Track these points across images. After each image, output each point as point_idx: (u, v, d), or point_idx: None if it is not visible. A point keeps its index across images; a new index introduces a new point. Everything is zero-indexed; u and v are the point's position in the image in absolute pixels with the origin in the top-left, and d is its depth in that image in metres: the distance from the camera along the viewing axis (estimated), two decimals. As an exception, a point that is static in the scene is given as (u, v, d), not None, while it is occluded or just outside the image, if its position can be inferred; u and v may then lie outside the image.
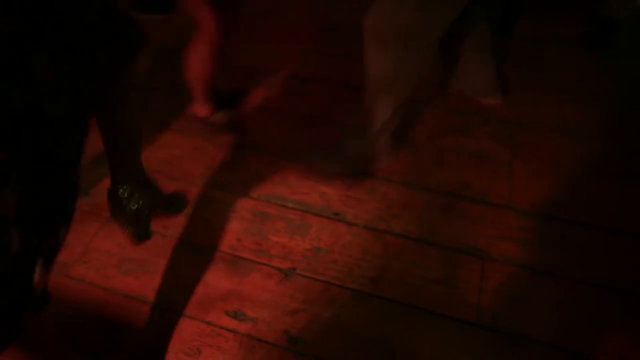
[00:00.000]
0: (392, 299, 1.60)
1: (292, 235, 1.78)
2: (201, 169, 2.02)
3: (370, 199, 1.89)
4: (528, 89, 2.37)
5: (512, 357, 1.47)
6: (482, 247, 1.73)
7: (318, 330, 1.53)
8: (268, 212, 1.85)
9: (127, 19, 1.19)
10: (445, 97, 2.32)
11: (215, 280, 1.65)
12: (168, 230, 1.80)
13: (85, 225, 1.83)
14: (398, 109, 1.83)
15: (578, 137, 2.13)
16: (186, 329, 1.54)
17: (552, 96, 2.33)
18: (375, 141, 1.90)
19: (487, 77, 2.26)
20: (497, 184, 1.95)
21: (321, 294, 1.61)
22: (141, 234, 1.65)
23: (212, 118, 2.10)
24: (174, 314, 1.57)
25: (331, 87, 2.39)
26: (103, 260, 1.72)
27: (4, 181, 0.75)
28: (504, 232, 1.78)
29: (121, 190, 1.55)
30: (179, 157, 2.07)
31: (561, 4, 2.86)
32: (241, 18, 1.93)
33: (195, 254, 1.74)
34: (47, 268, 0.91)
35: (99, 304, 1.60)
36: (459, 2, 1.57)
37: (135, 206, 1.55)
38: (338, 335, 1.52)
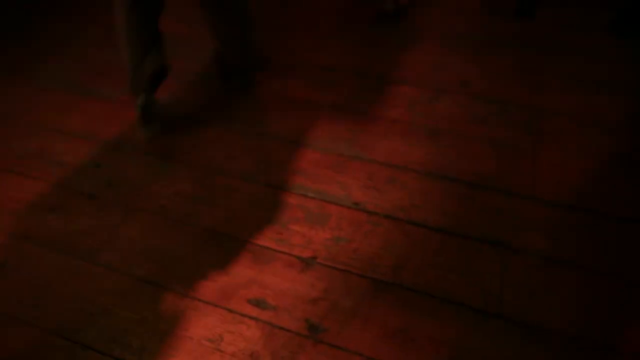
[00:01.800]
0: (412, 289, 1.60)
1: (312, 224, 1.79)
2: (221, 157, 2.04)
3: (390, 189, 1.89)
4: (553, 76, 2.33)
5: (533, 347, 1.47)
6: (504, 237, 1.72)
7: (338, 319, 1.54)
8: (288, 202, 1.86)
9: None
10: (465, 85, 2.28)
11: (237, 268, 1.68)
12: (191, 219, 1.83)
13: (110, 213, 1.87)
14: None
15: (603, 127, 2.09)
16: (209, 316, 1.56)
17: (577, 84, 2.28)
18: None
19: None
20: (519, 173, 1.92)
21: (341, 283, 1.62)
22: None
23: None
24: (197, 301, 1.60)
25: (352, 76, 2.38)
26: (127, 247, 1.76)
27: None
28: (526, 223, 1.76)
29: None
30: (203, 146, 2.10)
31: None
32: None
33: (217, 242, 1.76)
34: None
35: (123, 289, 1.64)
36: None
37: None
38: (358, 324, 1.53)
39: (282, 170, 1.97)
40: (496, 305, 1.55)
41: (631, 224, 1.75)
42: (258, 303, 1.59)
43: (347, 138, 2.08)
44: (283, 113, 2.22)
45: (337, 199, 1.86)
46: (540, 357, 1.43)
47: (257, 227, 1.79)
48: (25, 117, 2.30)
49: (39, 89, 2.46)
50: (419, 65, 2.41)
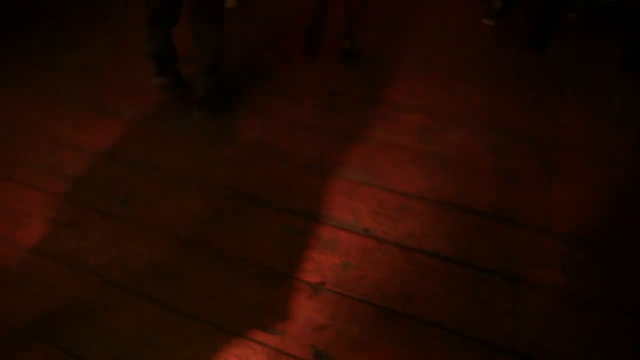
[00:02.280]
0: (421, 319, 1.59)
1: (321, 249, 1.79)
2: (232, 179, 2.06)
3: (400, 217, 1.89)
4: (565, 108, 2.33)
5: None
6: (515, 270, 1.71)
7: (344, 347, 1.53)
8: (298, 226, 1.87)
9: None
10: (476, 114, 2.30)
11: (245, 291, 1.68)
12: (200, 239, 1.84)
13: (122, 231, 1.89)
14: None
15: (615, 160, 2.08)
16: (215, 339, 1.56)
17: (589, 116, 2.29)
18: None
19: None
20: (531, 205, 1.92)
21: (349, 310, 1.62)
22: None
23: None
24: (204, 323, 1.60)
25: (364, 102, 2.40)
26: (137, 265, 1.77)
27: None
28: (539, 256, 1.75)
29: None
30: (214, 167, 2.12)
31: (601, 25, 2.81)
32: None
33: (225, 263, 1.77)
34: None
35: (131, 307, 1.65)
36: None
37: None
38: (364, 353, 1.52)
39: (292, 194, 1.99)
40: (508, 339, 1.53)
41: (644, 260, 1.73)
42: (265, 327, 1.59)
43: (358, 164, 2.09)
44: (293, 137, 2.25)
45: (347, 224, 1.86)
46: (550, 395, 1.41)
47: (266, 250, 1.80)
48: (43, 133, 2.35)
49: (57, 106, 2.51)
50: (431, 93, 2.44)
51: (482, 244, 1.80)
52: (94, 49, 2.94)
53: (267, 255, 1.78)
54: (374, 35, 2.83)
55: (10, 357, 1.57)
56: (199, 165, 2.15)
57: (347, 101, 2.42)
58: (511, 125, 2.25)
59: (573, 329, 1.55)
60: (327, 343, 1.54)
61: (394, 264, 1.74)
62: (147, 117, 2.43)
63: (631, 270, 1.70)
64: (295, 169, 2.09)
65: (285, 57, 2.76)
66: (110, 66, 2.78)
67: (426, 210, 1.92)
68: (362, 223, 1.87)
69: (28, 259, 1.83)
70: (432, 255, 1.77)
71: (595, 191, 1.96)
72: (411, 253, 1.77)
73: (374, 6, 3.04)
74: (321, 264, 1.74)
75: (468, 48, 2.71)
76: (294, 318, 1.60)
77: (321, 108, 2.40)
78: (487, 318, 1.59)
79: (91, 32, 3.10)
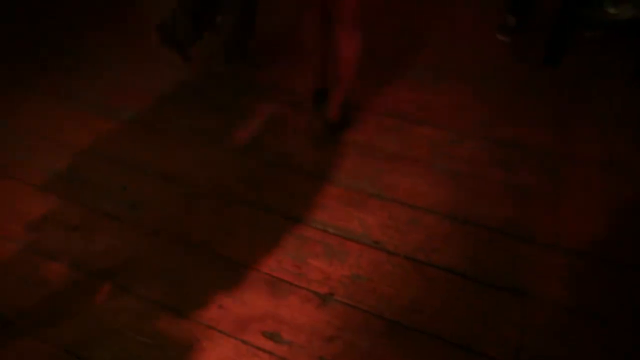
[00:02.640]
0: (429, 332, 1.58)
1: (331, 260, 1.78)
2: (243, 187, 2.07)
3: (410, 229, 1.89)
4: (577, 123, 2.33)
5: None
6: (524, 285, 1.70)
7: (352, 359, 1.52)
8: (308, 236, 1.87)
9: None
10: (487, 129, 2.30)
11: (253, 300, 1.68)
12: (210, 246, 1.84)
13: (131, 235, 1.90)
14: None
15: (628, 175, 2.07)
16: (223, 347, 1.56)
17: (601, 131, 2.28)
18: None
19: None
20: (542, 220, 1.91)
21: (358, 322, 1.61)
22: None
23: None
24: (212, 330, 1.59)
25: (376, 115, 2.41)
26: (145, 270, 1.77)
27: None
28: (548, 272, 1.74)
29: None
30: (224, 174, 2.13)
31: (615, 42, 2.81)
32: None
33: (234, 271, 1.76)
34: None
35: (138, 312, 1.65)
36: None
37: None
38: (373, 366, 1.51)
39: (303, 203, 1.99)
40: (514, 354, 1.52)
41: (656, 280, 1.71)
42: (273, 337, 1.58)
43: (369, 176, 2.09)
44: (304, 147, 2.25)
45: (357, 236, 1.86)
46: (559, 415, 1.40)
47: (276, 259, 1.80)
48: (56, 137, 2.36)
49: (68, 109, 2.53)
50: (443, 107, 2.44)
51: (490, 259, 1.79)
52: (107, 52, 2.97)
53: (276, 264, 1.78)
54: (386, 49, 2.84)
55: (16, 358, 1.57)
56: (208, 171, 2.15)
57: (358, 113, 2.42)
58: (523, 140, 2.24)
59: (580, 345, 1.54)
60: (335, 354, 1.53)
61: (403, 277, 1.74)
62: (157, 121, 2.44)
63: (642, 289, 1.69)
64: (306, 179, 2.09)
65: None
66: (123, 69, 2.80)
67: (436, 224, 1.91)
68: (372, 235, 1.86)
69: (36, 260, 1.84)
70: (441, 269, 1.76)
71: (605, 207, 1.95)
72: (420, 266, 1.77)
73: (387, 19, 3.06)
74: (330, 275, 1.74)
75: (482, 63, 2.72)
76: (302, 328, 1.60)
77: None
78: (495, 333, 1.57)
79: (104, 35, 3.13)
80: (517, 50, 2.81)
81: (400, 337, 1.58)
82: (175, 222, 1.94)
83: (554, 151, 2.20)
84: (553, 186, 2.05)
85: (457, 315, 1.63)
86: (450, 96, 2.50)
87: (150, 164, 2.19)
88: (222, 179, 2.11)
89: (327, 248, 1.83)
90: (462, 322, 1.61)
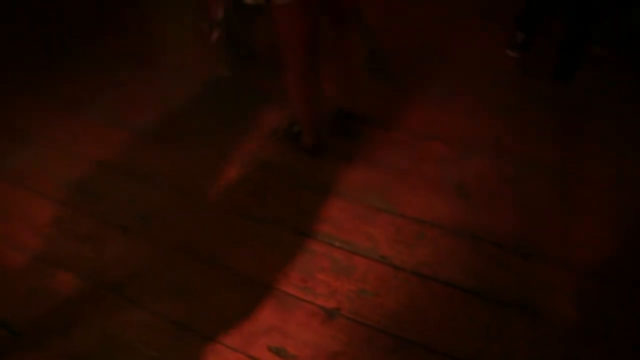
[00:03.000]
0: (435, 349, 1.57)
1: (338, 274, 1.79)
2: (251, 200, 2.08)
3: (417, 244, 1.88)
4: (588, 139, 2.32)
5: None
6: (532, 302, 1.68)
7: (358, 375, 1.52)
8: (315, 250, 1.87)
9: None
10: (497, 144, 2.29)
11: (259, 313, 1.68)
12: (217, 259, 1.85)
13: (140, 247, 1.92)
14: None
15: (637, 192, 2.05)
16: (228, 360, 1.56)
17: (612, 148, 2.26)
18: None
19: None
20: (551, 237, 1.90)
21: (364, 338, 1.60)
22: None
23: None
24: (219, 344, 1.60)
25: (383, 129, 2.42)
26: (153, 282, 1.79)
27: None
28: (557, 289, 1.72)
29: None
30: (232, 188, 2.15)
31: (626, 57, 2.80)
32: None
33: (241, 284, 1.77)
34: None
35: (147, 325, 1.66)
36: None
37: None
38: (378, 382, 1.50)
39: (311, 217, 1.99)
40: (522, 375, 1.51)
41: (667, 300, 1.69)
42: (278, 351, 1.58)
43: (376, 190, 2.10)
44: (314, 161, 2.26)
45: (364, 250, 1.86)
46: None
47: (283, 272, 1.80)
48: (71, 148, 2.40)
49: (86, 122, 2.56)
50: (451, 122, 2.44)
51: (498, 275, 1.78)
52: (116, 60, 3.01)
53: (283, 277, 1.78)
54: (396, 65, 2.86)
55: (25, 369, 1.59)
56: (216, 183, 2.17)
57: (366, 127, 2.43)
58: (532, 156, 2.24)
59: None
60: (341, 370, 1.53)
61: (410, 292, 1.73)
62: (167, 133, 2.47)
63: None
64: (314, 192, 2.10)
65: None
66: (135, 81, 2.85)
67: (443, 239, 1.91)
68: (379, 249, 1.86)
69: (46, 270, 1.86)
70: (448, 285, 1.75)
71: (617, 226, 1.93)
72: (427, 282, 1.76)
73: (397, 31, 3.08)
74: (337, 289, 1.74)
75: (491, 78, 2.72)
76: (308, 343, 1.60)
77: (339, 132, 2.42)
78: (503, 350, 1.56)
79: (113, 43, 3.18)
80: (527, 66, 2.81)
81: (405, 352, 1.57)
82: (184, 234, 1.96)
83: (563, 167, 2.19)
84: (562, 203, 2.04)
85: (464, 332, 1.61)
86: (459, 112, 2.51)
87: (160, 176, 2.22)
88: (231, 191, 2.13)
89: (334, 262, 1.83)
90: (469, 340, 1.59)
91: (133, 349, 1.60)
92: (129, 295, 1.75)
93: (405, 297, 1.71)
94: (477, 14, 3.35)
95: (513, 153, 2.26)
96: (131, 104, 2.67)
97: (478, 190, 2.10)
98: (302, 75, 1.94)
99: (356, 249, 1.87)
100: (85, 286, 1.80)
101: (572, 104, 2.55)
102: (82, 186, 2.20)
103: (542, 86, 2.69)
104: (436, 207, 2.02)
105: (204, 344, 1.60)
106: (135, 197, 2.13)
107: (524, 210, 2.01)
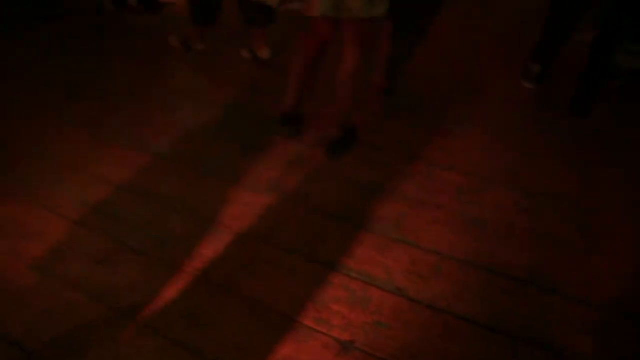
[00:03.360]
0: (452, 387, 1.54)
1: (353, 306, 1.77)
2: (269, 226, 2.08)
3: (433, 277, 1.87)
4: (606, 173, 2.30)
5: None
6: (551, 338, 1.65)
7: (372, 411, 1.49)
8: (330, 280, 1.86)
9: None
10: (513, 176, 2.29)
11: (274, 343, 1.66)
12: (232, 285, 1.85)
13: (155, 271, 1.92)
14: None
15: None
16: (241, 391, 1.54)
17: (629, 180, 2.25)
18: None
19: None
20: (569, 271, 1.88)
21: (378, 372, 1.58)
22: None
23: None
24: (231, 374, 1.58)
25: (402, 158, 2.42)
26: (168, 307, 1.78)
27: None
28: (576, 325, 1.69)
29: None
30: (251, 213, 2.15)
31: (639, 84, 2.80)
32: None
33: (256, 313, 1.76)
34: None
35: (160, 351, 1.65)
36: None
37: None
38: (393, 419, 1.48)
39: (326, 246, 1.99)
40: (540, 416, 1.47)
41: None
42: (292, 383, 1.56)
43: (393, 220, 2.09)
44: (329, 189, 2.27)
45: (380, 282, 1.85)
46: None
47: (297, 302, 1.79)
48: (89, 169, 2.43)
49: (103, 143, 2.60)
50: (468, 153, 2.44)
51: (515, 310, 1.76)
52: (133, 83, 3.07)
53: (298, 307, 1.77)
54: (413, 95, 2.88)
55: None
56: (232, 209, 2.17)
57: (383, 156, 2.44)
58: (549, 188, 2.23)
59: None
60: (355, 405, 1.51)
61: (425, 326, 1.71)
62: (186, 157, 2.50)
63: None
64: (329, 221, 2.10)
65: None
66: (153, 104, 2.89)
67: (459, 272, 1.89)
68: (395, 281, 1.85)
69: (60, 290, 1.87)
70: (463, 319, 1.73)
71: (635, 260, 1.91)
72: (443, 315, 1.74)
73: (412, 66, 3.11)
74: (352, 321, 1.72)
75: (507, 109, 2.73)
76: (322, 376, 1.58)
77: (357, 161, 2.43)
78: (522, 392, 1.53)
79: (130, 67, 3.24)
80: (543, 98, 2.83)
81: (421, 389, 1.54)
82: (198, 260, 1.96)
83: (580, 200, 2.18)
84: (581, 236, 2.02)
85: (480, 369, 1.59)
86: (476, 142, 2.51)
87: (177, 200, 2.23)
88: (246, 217, 2.13)
89: (349, 293, 1.82)
90: (486, 377, 1.57)
91: (146, 376, 1.59)
92: (143, 320, 1.74)
93: (421, 331, 1.69)
94: (493, 45, 3.38)
95: (529, 185, 2.25)
96: (151, 127, 2.71)
97: (494, 222, 2.09)
98: (305, 64, 2.39)
99: (372, 280, 1.86)
100: (98, 309, 1.80)
101: (588, 135, 2.55)
102: (98, 206, 2.21)
103: (558, 118, 2.69)
104: (452, 239, 2.01)
105: (217, 373, 1.59)
106: (151, 220, 2.14)
107: (540, 243, 1.99)
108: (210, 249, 2.00)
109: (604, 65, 2.56)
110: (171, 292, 1.84)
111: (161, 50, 3.50)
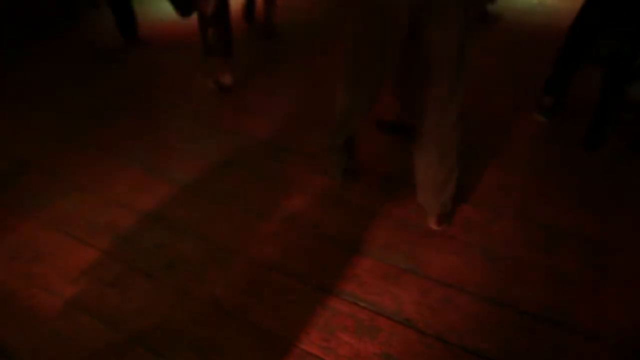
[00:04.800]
0: (461, 423, 1.51)
1: (361, 336, 1.75)
2: (277, 254, 2.09)
3: (443, 309, 1.85)
4: (620, 209, 2.29)
5: None
6: (563, 379, 1.62)
7: None
8: (339, 308, 1.85)
9: None
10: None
11: (280, 372, 1.65)
12: (240, 312, 1.84)
13: (164, 296, 1.92)
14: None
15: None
16: (246, 421, 1.52)
17: (641, 216, 2.23)
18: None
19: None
20: (581, 308, 1.84)
21: (386, 405, 1.55)
22: None
23: None
24: (237, 402, 1.57)
25: (413, 188, 2.43)
26: (176, 332, 1.78)
27: None
28: (588, 366, 1.66)
29: None
30: (260, 241, 2.16)
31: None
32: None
33: (263, 340, 1.75)
34: None
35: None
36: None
37: None
38: None
39: (335, 274, 1.99)
40: None
41: None
42: (298, 414, 1.54)
43: (403, 250, 2.09)
44: (340, 217, 2.28)
45: (389, 312, 1.83)
46: None
47: (305, 330, 1.78)
48: (104, 192, 2.47)
49: (119, 167, 2.65)
50: (480, 186, 2.44)
51: (525, 345, 1.73)
52: (161, 112, 3.14)
53: (305, 336, 1.76)
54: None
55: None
56: (243, 236, 2.19)
57: (393, 186, 2.45)
58: (561, 223, 2.21)
59: None
60: None
61: (434, 359, 1.68)
62: (199, 183, 2.53)
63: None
64: (339, 250, 2.10)
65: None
66: (169, 131, 2.95)
67: (469, 304, 1.87)
68: (404, 312, 1.83)
69: (69, 312, 1.88)
70: (473, 353, 1.70)
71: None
72: (453, 349, 1.71)
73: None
74: (360, 352, 1.70)
75: (519, 143, 2.74)
76: (328, 407, 1.55)
77: (370, 190, 2.44)
78: None
79: (155, 95, 3.32)
80: (555, 131, 2.83)
81: None
82: (208, 285, 1.96)
83: (593, 234, 2.16)
84: (593, 271, 1.99)
85: (490, 405, 1.55)
86: (488, 175, 2.51)
87: (189, 225, 2.25)
88: (257, 245, 2.14)
89: (357, 322, 1.80)
90: (496, 414, 1.53)
91: (151, 402, 1.58)
92: (152, 346, 1.74)
93: (430, 364, 1.67)
94: (505, 78, 3.42)
95: (542, 219, 2.24)
96: (168, 153, 2.76)
97: (505, 255, 2.07)
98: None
99: (381, 309, 1.84)
100: (108, 333, 1.80)
101: (600, 169, 2.54)
102: (111, 230, 2.24)
103: (571, 151, 2.69)
104: (462, 271, 2.00)
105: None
106: (162, 245, 2.15)
107: (553, 278, 1.96)
108: (219, 275, 2.01)
109: (615, 100, 2.57)
110: (180, 317, 1.84)
111: (185, 78, 3.58)
